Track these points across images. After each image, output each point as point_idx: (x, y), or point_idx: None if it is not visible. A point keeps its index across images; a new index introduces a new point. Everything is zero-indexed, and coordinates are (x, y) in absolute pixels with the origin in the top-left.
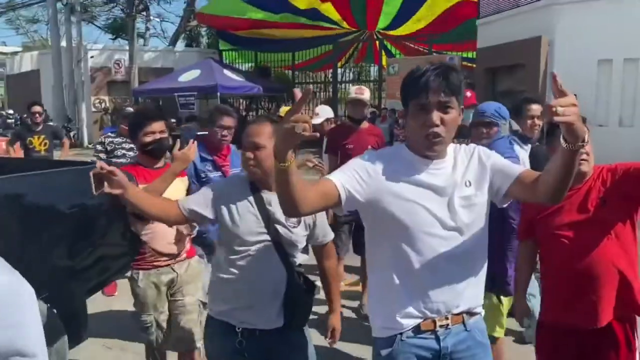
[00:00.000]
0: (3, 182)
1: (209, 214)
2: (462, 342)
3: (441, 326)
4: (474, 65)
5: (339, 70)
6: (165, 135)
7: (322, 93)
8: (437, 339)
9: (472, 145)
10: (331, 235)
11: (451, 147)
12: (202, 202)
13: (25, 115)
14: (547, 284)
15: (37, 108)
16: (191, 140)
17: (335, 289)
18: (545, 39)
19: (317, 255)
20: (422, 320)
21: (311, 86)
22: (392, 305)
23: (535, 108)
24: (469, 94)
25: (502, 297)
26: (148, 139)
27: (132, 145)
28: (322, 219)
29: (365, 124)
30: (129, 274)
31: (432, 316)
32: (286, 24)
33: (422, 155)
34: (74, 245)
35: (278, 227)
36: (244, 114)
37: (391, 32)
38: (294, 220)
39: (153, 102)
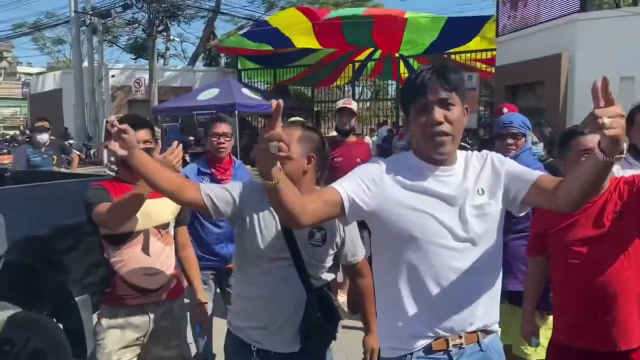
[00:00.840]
0: (15, 191)
1: (228, 212)
2: None
3: (454, 345)
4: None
5: (356, 89)
6: (152, 145)
7: None
8: (450, 359)
9: (485, 151)
10: (362, 253)
11: (462, 154)
12: (225, 198)
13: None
14: (558, 302)
15: (43, 123)
16: (175, 142)
17: (371, 309)
18: (566, 55)
19: (349, 273)
20: (433, 339)
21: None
22: (401, 322)
23: (590, 138)
24: (505, 109)
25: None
26: None
27: None
28: (351, 236)
29: (352, 137)
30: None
31: (445, 335)
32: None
33: (430, 161)
34: (80, 258)
35: (300, 244)
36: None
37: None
38: (319, 237)
39: (172, 120)
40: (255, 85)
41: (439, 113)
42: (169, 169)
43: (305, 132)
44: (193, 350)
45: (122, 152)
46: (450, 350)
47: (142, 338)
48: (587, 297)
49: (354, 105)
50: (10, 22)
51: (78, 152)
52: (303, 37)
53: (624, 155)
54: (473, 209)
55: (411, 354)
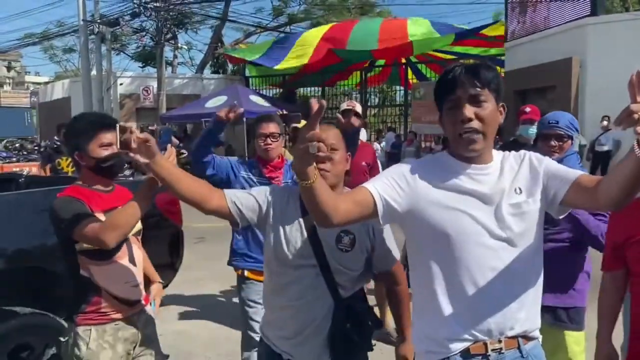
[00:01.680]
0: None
1: (254, 219)
2: None
3: (494, 350)
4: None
5: (364, 96)
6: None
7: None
8: None
9: (523, 151)
10: (395, 259)
11: (498, 154)
12: (251, 205)
13: (56, 138)
14: (636, 325)
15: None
16: (169, 145)
17: (407, 316)
18: (577, 59)
19: (383, 280)
20: (471, 343)
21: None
22: (438, 326)
23: None
24: (528, 109)
25: (573, 334)
26: (104, 152)
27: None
28: (383, 241)
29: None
30: (65, 337)
31: (483, 338)
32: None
33: (463, 159)
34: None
35: (327, 250)
36: None
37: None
38: (347, 242)
39: (180, 128)
40: (263, 92)
41: (469, 110)
42: (191, 176)
43: (340, 133)
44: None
45: (144, 160)
46: (489, 355)
47: (131, 352)
48: None
49: (358, 107)
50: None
51: None
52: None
53: None
54: (510, 207)
55: (448, 358)
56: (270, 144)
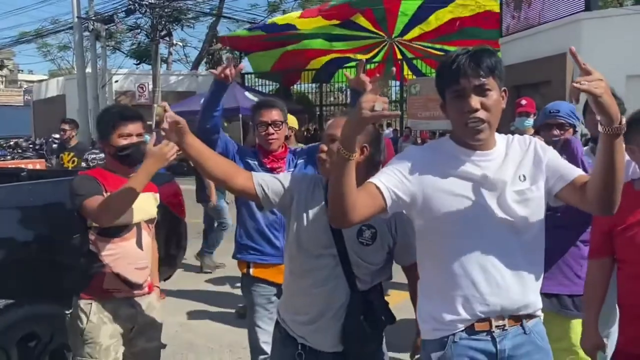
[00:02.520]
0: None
1: (278, 202)
2: (521, 346)
3: (497, 327)
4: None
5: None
6: (143, 139)
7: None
8: (494, 341)
9: (528, 137)
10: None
11: (502, 138)
12: (277, 189)
13: (55, 136)
14: (627, 308)
15: (64, 125)
16: None
17: None
18: None
19: (405, 273)
20: (476, 320)
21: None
22: (443, 304)
23: None
24: (524, 101)
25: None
26: (123, 141)
27: None
28: (405, 237)
29: None
30: (70, 309)
31: (487, 315)
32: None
33: (467, 146)
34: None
35: (348, 242)
36: None
37: (407, 37)
38: (368, 235)
39: None
40: (259, 89)
41: (474, 100)
42: (219, 155)
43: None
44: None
45: (175, 138)
46: (494, 331)
47: (127, 331)
48: None
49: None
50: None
51: None
52: (307, 21)
53: (623, 127)
54: (514, 194)
55: (453, 334)
56: (273, 134)
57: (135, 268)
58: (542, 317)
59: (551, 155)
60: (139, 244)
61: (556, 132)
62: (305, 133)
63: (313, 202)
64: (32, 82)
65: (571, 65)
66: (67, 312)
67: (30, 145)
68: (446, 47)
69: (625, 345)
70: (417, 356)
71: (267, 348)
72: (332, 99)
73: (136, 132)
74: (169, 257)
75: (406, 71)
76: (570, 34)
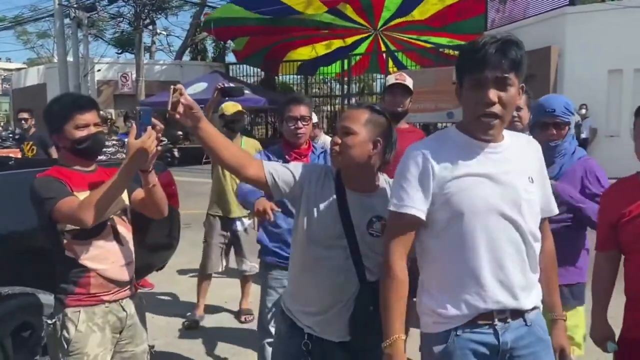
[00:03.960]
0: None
1: (288, 192)
2: (523, 338)
3: (500, 320)
4: None
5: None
6: (101, 129)
7: (327, 106)
8: (496, 334)
9: (534, 141)
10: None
11: (506, 133)
12: (287, 179)
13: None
14: (632, 296)
15: (22, 114)
16: (149, 127)
17: None
18: (555, 48)
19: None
20: (478, 314)
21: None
22: (445, 299)
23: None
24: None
25: (578, 309)
26: (81, 133)
27: (117, 148)
28: None
29: (404, 124)
30: (52, 319)
31: (490, 309)
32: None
33: (477, 138)
34: None
35: (358, 233)
36: (248, 127)
37: (393, 23)
38: (378, 227)
39: (159, 115)
40: (243, 79)
41: (493, 93)
42: (232, 143)
43: (372, 115)
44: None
45: (189, 123)
46: (496, 324)
47: (117, 336)
48: None
49: (409, 82)
50: None
51: None
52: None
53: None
54: (524, 192)
55: (455, 328)
56: (301, 128)
57: (119, 265)
58: (541, 308)
59: (547, 177)
60: (118, 239)
61: (553, 131)
62: None
63: (323, 193)
64: (10, 70)
65: (555, 59)
66: (48, 321)
67: (10, 135)
68: (432, 39)
69: (630, 331)
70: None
71: None
72: (316, 89)
73: (93, 122)
74: (163, 247)
75: (391, 65)
76: (554, 29)
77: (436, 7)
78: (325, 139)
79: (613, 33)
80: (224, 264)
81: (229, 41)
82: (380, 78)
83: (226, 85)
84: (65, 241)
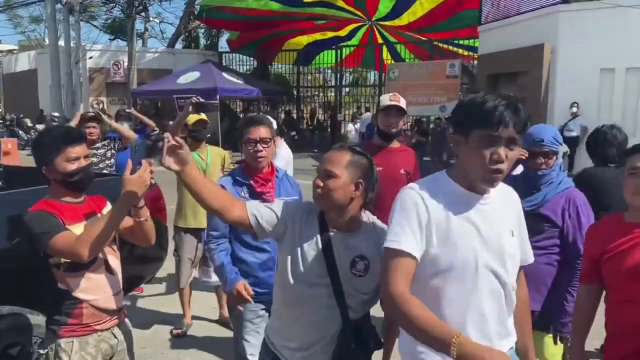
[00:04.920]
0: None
1: (272, 232)
2: None
3: None
4: (476, 56)
5: (338, 75)
6: (90, 161)
7: (319, 97)
8: None
9: (514, 192)
10: None
11: None
12: (271, 219)
13: (22, 116)
14: (613, 331)
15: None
16: (144, 161)
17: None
18: (548, 46)
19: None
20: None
21: (310, 90)
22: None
23: None
24: None
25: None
26: (72, 166)
27: (94, 151)
28: None
29: (396, 143)
30: (45, 348)
31: None
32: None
33: (470, 189)
34: None
35: (341, 273)
36: (241, 115)
37: (388, 23)
38: (361, 267)
39: (152, 104)
40: (236, 68)
41: (504, 151)
42: (216, 186)
43: (354, 156)
44: None
45: (175, 167)
46: None
47: None
48: None
49: (402, 103)
50: None
51: None
52: None
53: None
54: (507, 246)
55: None
56: (261, 151)
57: (111, 295)
58: (514, 348)
59: (525, 226)
60: (109, 269)
61: (541, 160)
62: (284, 116)
63: (307, 232)
64: (2, 52)
65: (548, 57)
66: (41, 351)
67: (0, 121)
68: (426, 32)
69: None
70: None
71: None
72: (309, 77)
73: (83, 154)
74: (153, 259)
75: (385, 55)
76: (548, 26)
77: (428, 5)
78: (286, 151)
79: (606, 31)
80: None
81: (222, 29)
82: (373, 71)
83: (201, 100)
84: (58, 274)
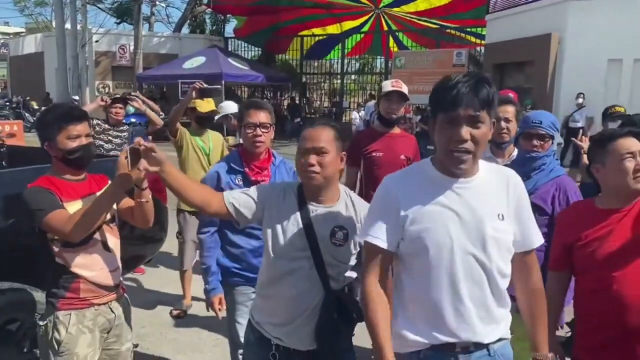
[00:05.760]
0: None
1: (251, 218)
2: None
3: (463, 347)
4: (483, 43)
5: (344, 61)
6: (92, 140)
7: (326, 84)
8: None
9: (512, 174)
10: None
11: (484, 165)
12: (248, 204)
13: (28, 98)
14: (584, 320)
15: None
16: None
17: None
18: (556, 36)
19: None
20: (439, 343)
21: (315, 77)
22: (410, 325)
23: (509, 110)
24: (510, 96)
25: None
26: (72, 144)
27: (118, 133)
28: None
29: (397, 129)
30: (44, 320)
31: (449, 341)
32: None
33: (448, 173)
34: None
35: (321, 244)
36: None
37: (395, 10)
38: (341, 236)
39: (157, 88)
40: (242, 54)
41: (465, 130)
42: (196, 182)
43: (335, 131)
44: None
45: (153, 169)
46: (457, 351)
47: (105, 335)
48: (624, 313)
49: (404, 89)
50: None
51: None
52: None
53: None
54: (491, 230)
55: (419, 351)
56: (260, 135)
57: (108, 271)
58: (510, 338)
59: (528, 208)
60: (106, 246)
61: (536, 142)
62: (289, 102)
63: (285, 209)
64: (9, 34)
65: (555, 46)
66: (40, 323)
67: (7, 103)
68: (434, 20)
69: (579, 354)
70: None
71: None
72: (315, 64)
73: (84, 133)
74: (152, 240)
75: (392, 44)
76: (556, 15)
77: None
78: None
79: (615, 22)
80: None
81: (229, 15)
82: (380, 58)
83: (205, 86)
84: (55, 249)
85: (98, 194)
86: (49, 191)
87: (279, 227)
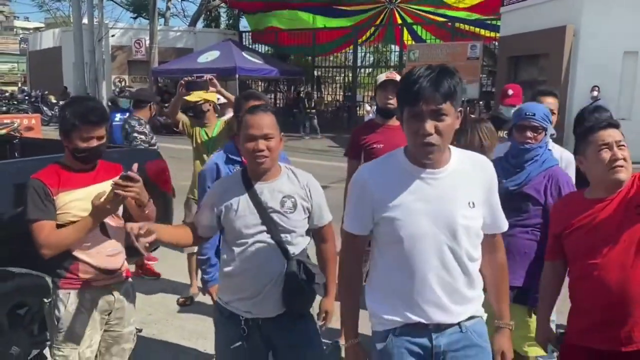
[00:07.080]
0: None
1: (218, 223)
2: (456, 342)
3: (435, 325)
4: (498, 36)
5: (359, 55)
6: (104, 141)
7: (341, 77)
8: (430, 338)
9: (485, 161)
10: (328, 217)
11: (456, 154)
12: (208, 215)
13: (47, 92)
14: (576, 304)
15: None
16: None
17: (331, 272)
18: (571, 28)
19: (314, 237)
20: (411, 322)
21: (329, 70)
22: (384, 304)
23: (551, 101)
24: (511, 91)
25: (533, 314)
26: (82, 144)
27: (144, 130)
28: (318, 201)
29: (396, 121)
30: (48, 299)
31: (420, 321)
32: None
33: (418, 163)
34: None
35: (273, 215)
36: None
37: (412, 6)
38: (290, 205)
39: (172, 83)
40: (256, 48)
41: (429, 124)
42: (177, 228)
43: (274, 116)
44: None
45: (150, 239)
46: (430, 329)
47: (105, 317)
48: (607, 298)
49: (398, 78)
50: None
51: None
52: None
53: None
54: (461, 218)
55: (394, 329)
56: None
57: (106, 256)
58: (484, 317)
59: (496, 196)
60: (105, 232)
61: (530, 134)
62: (294, 95)
63: (233, 195)
64: (29, 29)
65: (570, 39)
66: (46, 300)
67: (26, 97)
68: (449, 13)
69: (571, 337)
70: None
71: None
72: (331, 58)
73: (98, 136)
74: None
75: (406, 36)
76: (571, 7)
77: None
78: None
79: (630, 14)
80: None
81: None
82: (395, 51)
83: (189, 79)
84: None
85: (102, 184)
86: (45, 189)
87: (232, 212)
